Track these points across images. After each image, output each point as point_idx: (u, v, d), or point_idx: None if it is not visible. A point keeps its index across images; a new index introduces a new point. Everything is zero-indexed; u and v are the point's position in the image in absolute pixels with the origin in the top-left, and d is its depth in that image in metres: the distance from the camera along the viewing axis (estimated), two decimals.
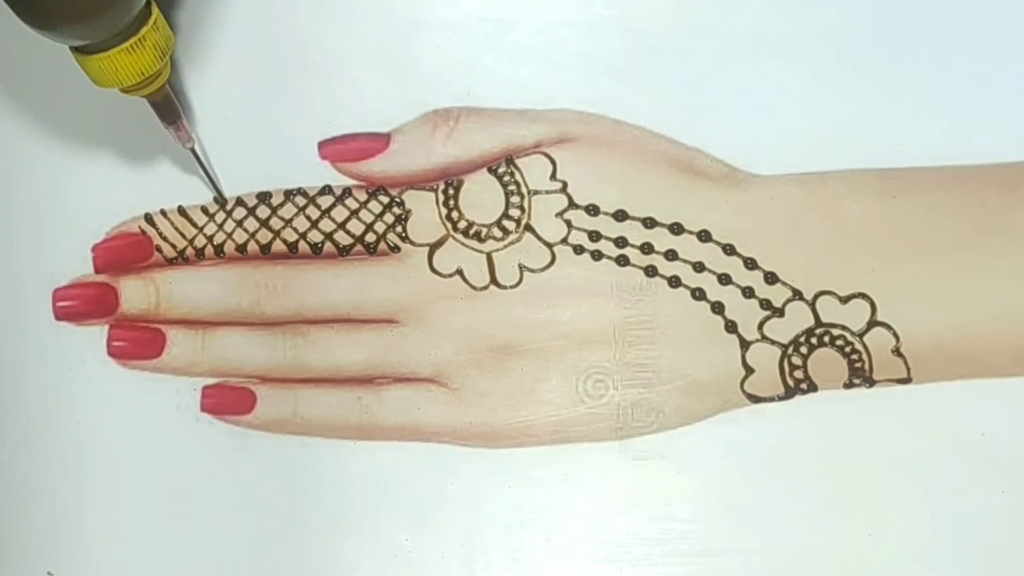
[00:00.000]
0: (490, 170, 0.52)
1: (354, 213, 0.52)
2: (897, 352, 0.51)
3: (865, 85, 0.52)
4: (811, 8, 0.52)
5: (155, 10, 0.45)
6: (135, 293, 0.52)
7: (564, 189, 0.52)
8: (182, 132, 0.50)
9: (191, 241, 0.52)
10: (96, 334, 0.52)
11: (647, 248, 0.52)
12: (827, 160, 0.52)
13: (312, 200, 0.52)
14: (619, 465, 0.51)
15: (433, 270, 0.52)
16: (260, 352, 0.51)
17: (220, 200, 0.52)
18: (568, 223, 0.52)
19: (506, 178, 0.52)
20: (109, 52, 0.44)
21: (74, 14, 0.42)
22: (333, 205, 0.52)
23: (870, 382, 0.51)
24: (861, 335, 0.51)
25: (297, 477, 0.51)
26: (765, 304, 0.52)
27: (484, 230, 0.52)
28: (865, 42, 0.52)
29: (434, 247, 0.52)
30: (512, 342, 0.52)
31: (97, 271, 0.52)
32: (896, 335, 0.51)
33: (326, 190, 0.52)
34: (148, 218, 0.52)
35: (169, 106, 0.49)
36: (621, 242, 0.52)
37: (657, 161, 0.52)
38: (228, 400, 0.51)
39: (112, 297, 0.52)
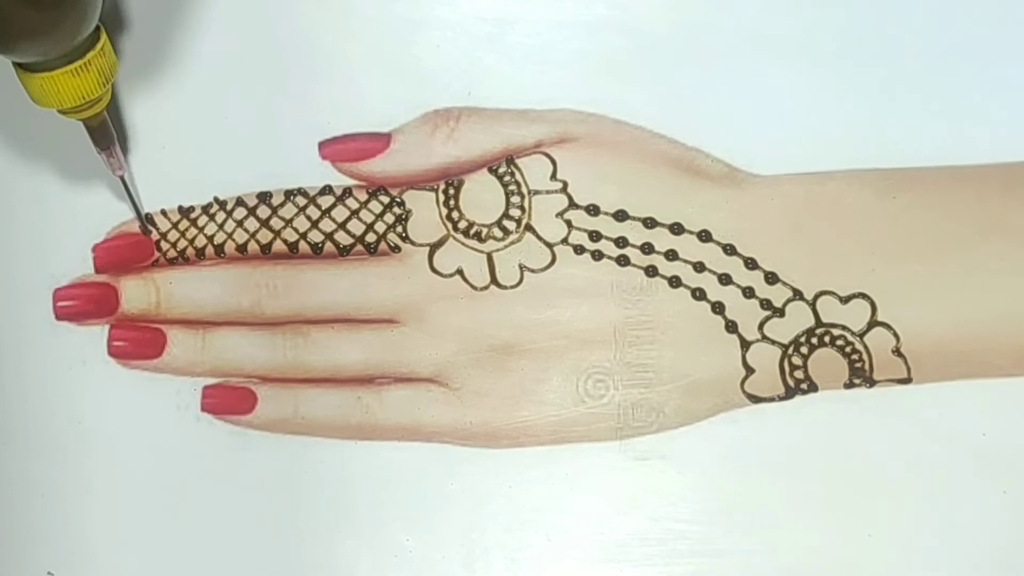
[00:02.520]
0: (490, 170, 0.52)
1: (354, 213, 0.52)
2: (897, 352, 0.51)
3: (866, 85, 0.52)
4: (812, 8, 0.53)
5: (103, 36, 0.45)
6: (136, 293, 0.52)
7: (564, 189, 0.52)
8: (114, 159, 0.49)
9: (192, 241, 0.52)
10: (97, 334, 0.52)
11: (647, 248, 0.52)
12: (828, 160, 0.52)
13: (312, 200, 0.52)
14: (619, 465, 0.51)
15: (433, 270, 0.52)
16: (260, 352, 0.51)
17: (145, 230, 0.52)
18: (568, 223, 0.52)
19: (506, 178, 0.52)
20: (53, 72, 0.43)
21: (21, 31, 0.42)
22: (333, 205, 0.52)
23: (870, 382, 0.51)
24: (861, 335, 0.51)
25: (297, 477, 0.51)
26: (765, 304, 0.52)
27: (484, 230, 0.52)
28: (866, 42, 0.52)
29: (434, 247, 0.52)
30: (512, 342, 0.52)
31: (98, 271, 0.52)
32: (896, 335, 0.51)
33: (326, 190, 0.52)
34: (148, 218, 0.52)
35: (104, 132, 0.48)
36: (621, 242, 0.52)
37: (657, 161, 0.52)
38: (229, 400, 0.51)
39: (113, 297, 0.52)
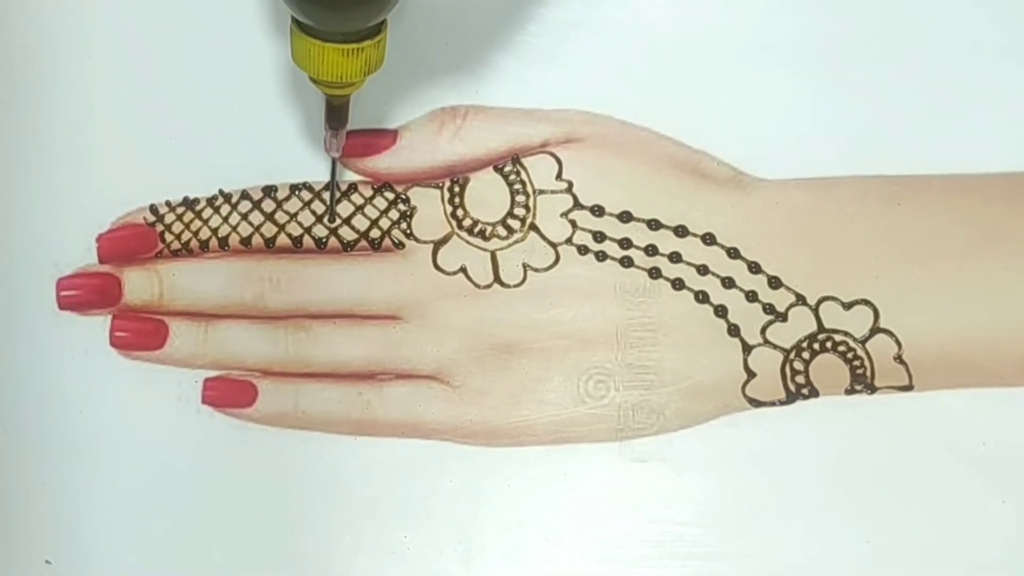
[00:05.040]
0: (496, 169, 0.52)
1: (359, 209, 0.52)
2: (899, 359, 0.51)
3: (872, 91, 0.52)
4: (820, 13, 0.53)
5: (385, 31, 0.44)
6: (139, 284, 0.52)
7: (569, 189, 0.52)
8: (336, 141, 0.48)
9: (196, 233, 0.52)
10: (99, 324, 0.52)
11: (651, 250, 0.52)
12: (833, 166, 0.52)
13: (317, 195, 0.52)
14: (619, 466, 0.51)
15: (437, 267, 0.52)
16: (262, 346, 0.51)
17: (331, 215, 0.52)
18: (573, 223, 0.52)
19: (512, 177, 0.52)
20: (326, 44, 0.43)
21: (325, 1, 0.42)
22: (339, 200, 0.52)
23: (871, 389, 0.51)
24: (863, 341, 0.51)
25: (296, 471, 0.51)
26: (768, 308, 0.52)
27: (489, 228, 0.52)
28: (873, 48, 0.53)
29: (438, 244, 0.52)
30: (514, 341, 0.52)
31: (101, 261, 0.52)
32: (898, 342, 0.51)
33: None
34: (153, 209, 0.52)
35: (342, 113, 0.47)
36: (625, 243, 0.52)
37: (663, 163, 0.52)
38: (229, 393, 0.51)
39: (116, 288, 0.52)
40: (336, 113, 0.47)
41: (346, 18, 0.42)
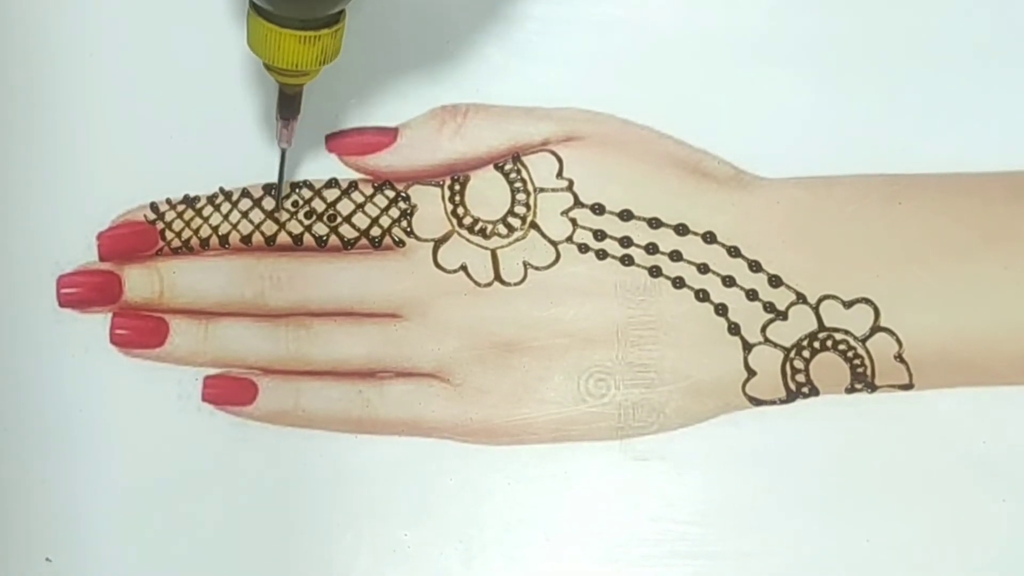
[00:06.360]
0: (496, 167, 0.52)
1: (360, 207, 0.52)
2: (899, 358, 0.51)
3: (873, 90, 0.52)
4: (820, 12, 0.53)
5: (343, 21, 0.44)
6: (139, 282, 0.52)
7: (570, 187, 0.52)
8: (287, 132, 0.49)
9: (196, 231, 0.52)
10: (99, 322, 0.52)
11: (652, 248, 0.52)
12: (833, 165, 0.52)
13: (318, 193, 0.52)
14: (619, 465, 0.51)
15: (437, 265, 0.52)
16: (262, 344, 0.51)
17: (276, 207, 0.52)
18: (573, 221, 0.52)
19: (512, 175, 0.52)
20: (283, 30, 0.43)
21: None
22: (339, 198, 0.52)
23: (872, 387, 0.51)
24: (864, 340, 0.51)
25: (297, 470, 0.51)
26: (769, 307, 0.52)
27: (489, 227, 0.52)
28: (873, 47, 0.53)
29: (439, 242, 0.52)
30: (515, 339, 0.52)
31: (102, 259, 0.52)
32: (899, 341, 0.51)
33: (332, 183, 0.52)
34: (154, 207, 0.52)
35: (294, 103, 0.48)
36: (626, 242, 0.52)
37: (664, 162, 0.52)
38: (230, 391, 0.51)
39: (116, 285, 0.52)
40: (289, 103, 0.47)
41: (306, 5, 0.42)
